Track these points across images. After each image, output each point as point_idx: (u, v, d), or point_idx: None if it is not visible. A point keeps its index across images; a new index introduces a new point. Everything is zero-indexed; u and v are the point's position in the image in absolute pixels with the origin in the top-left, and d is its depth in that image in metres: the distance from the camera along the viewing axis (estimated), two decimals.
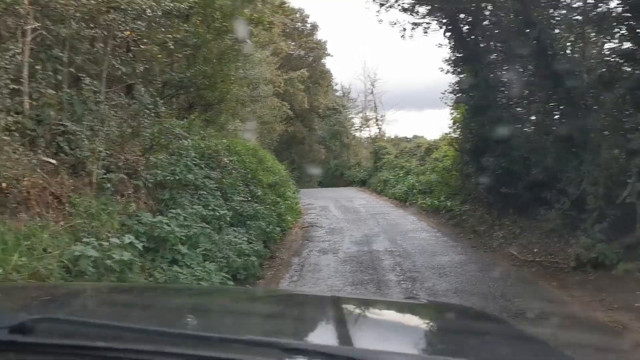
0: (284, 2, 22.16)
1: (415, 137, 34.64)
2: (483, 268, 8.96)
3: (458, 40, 12.58)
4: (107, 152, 6.40)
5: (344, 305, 1.70)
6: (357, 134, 40.07)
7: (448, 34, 12.66)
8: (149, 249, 6.24)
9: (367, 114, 38.16)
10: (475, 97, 12.09)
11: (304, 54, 37.58)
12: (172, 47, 8.30)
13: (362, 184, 30.47)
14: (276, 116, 27.45)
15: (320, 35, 38.62)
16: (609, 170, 7.79)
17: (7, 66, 5.16)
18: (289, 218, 13.30)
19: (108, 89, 7.16)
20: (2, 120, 5.11)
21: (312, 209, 18.50)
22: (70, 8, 5.95)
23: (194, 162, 8.81)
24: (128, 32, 6.93)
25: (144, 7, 6.74)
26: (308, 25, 38.18)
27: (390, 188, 22.65)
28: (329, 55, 39.79)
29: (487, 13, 11.91)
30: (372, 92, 37.61)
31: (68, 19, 6.09)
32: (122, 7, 6.58)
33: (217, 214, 8.41)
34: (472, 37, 12.44)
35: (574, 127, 8.85)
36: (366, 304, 1.96)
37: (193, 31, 10.42)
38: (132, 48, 7.53)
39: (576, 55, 9.74)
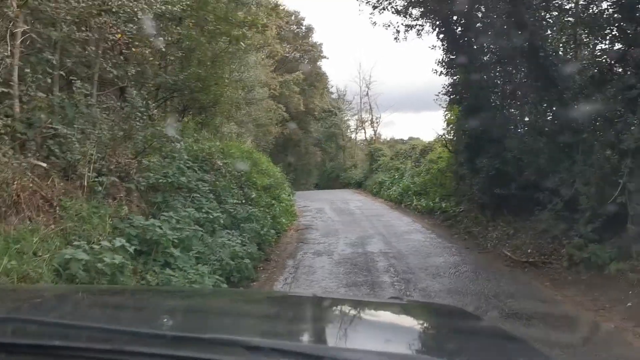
0: (278, 5, 22.15)
1: (411, 139, 34.73)
2: (477, 269, 8.97)
3: (451, 42, 12.62)
4: (99, 155, 6.37)
5: (322, 304, 1.70)
6: (353, 136, 40.19)
7: (441, 36, 12.69)
8: (141, 252, 6.22)
9: (363, 116, 38.27)
10: (469, 99, 12.14)
11: (299, 56, 37.66)
12: (163, 49, 8.27)
13: (358, 186, 30.52)
14: (272, 119, 27.46)
15: (315, 37, 38.78)
16: (601, 171, 7.82)
17: None
18: (283, 220, 13.30)
19: (100, 92, 7.15)
20: None
21: (308, 211, 18.50)
22: (60, 11, 5.94)
23: (187, 164, 8.79)
24: (119, 35, 6.92)
25: (135, 9, 6.73)
26: (303, 28, 38.27)
27: (385, 190, 22.69)
28: (324, 57, 39.89)
29: (479, 15, 11.95)
30: (367, 94, 37.73)
31: (59, 22, 6.08)
32: (113, 10, 6.57)
33: (211, 216, 8.40)
34: (465, 39, 12.47)
35: (566, 128, 8.89)
36: (345, 303, 1.96)
37: (186, 34, 10.42)
38: (123, 51, 7.51)
39: (568, 56, 9.79)
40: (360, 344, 1.31)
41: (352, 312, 1.75)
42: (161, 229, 6.49)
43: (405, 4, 12.70)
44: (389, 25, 13.41)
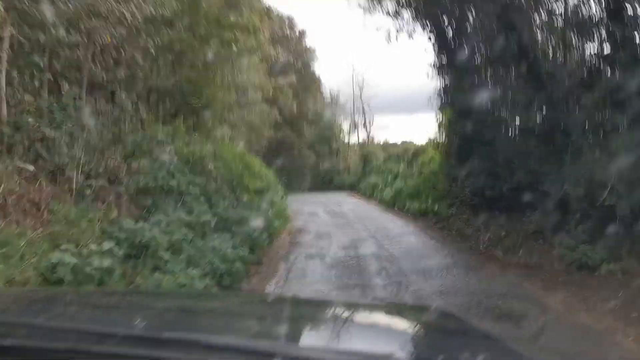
0: (270, 9, 22.21)
1: (404, 142, 34.83)
2: (469, 271, 8.97)
3: (442, 45, 12.68)
4: (88, 158, 6.34)
5: (301, 306, 1.69)
6: (347, 139, 40.23)
7: (432, 38, 12.77)
8: (130, 256, 6.17)
9: (356, 118, 38.34)
10: (460, 101, 12.17)
11: (292, 59, 37.65)
12: (154, 53, 8.25)
13: (352, 188, 30.52)
14: (265, 121, 27.44)
15: (308, 41, 38.83)
16: (590, 172, 7.86)
17: None
18: (276, 223, 13.25)
19: (89, 95, 7.12)
20: None
21: (301, 214, 18.46)
22: (49, 15, 5.91)
23: (177, 168, 8.76)
24: (108, 39, 6.90)
25: (125, 13, 6.71)
26: (296, 32, 38.30)
27: (379, 192, 22.72)
28: (317, 60, 39.98)
29: (470, 18, 12.01)
30: (360, 97, 37.81)
31: (47, 26, 6.05)
32: (102, 13, 6.55)
33: (202, 219, 8.36)
34: (456, 41, 12.54)
35: (556, 130, 8.93)
36: (325, 305, 1.96)
37: (177, 37, 10.39)
38: (112, 54, 7.49)
39: (557, 58, 9.84)
40: (337, 345, 1.30)
41: (331, 313, 1.75)
42: (151, 232, 6.46)
43: (396, 6, 12.76)
44: (380, 28, 13.51)
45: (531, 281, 7.99)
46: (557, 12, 9.77)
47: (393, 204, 19.27)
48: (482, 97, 11.89)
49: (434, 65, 13.16)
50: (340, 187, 33.16)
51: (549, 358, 1.48)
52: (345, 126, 40.27)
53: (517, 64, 10.16)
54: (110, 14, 6.74)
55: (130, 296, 2.32)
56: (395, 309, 2.02)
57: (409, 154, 23.44)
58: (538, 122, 10.42)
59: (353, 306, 2.05)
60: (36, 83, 5.94)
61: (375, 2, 12.99)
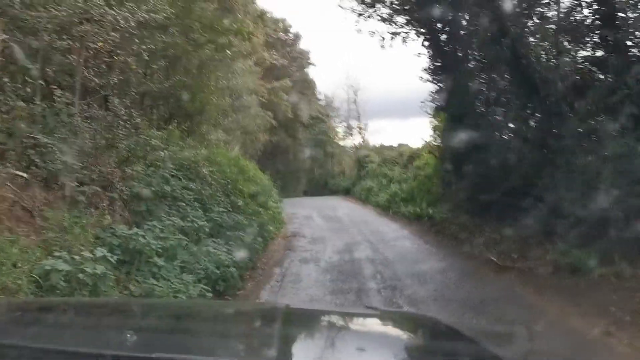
0: (264, 13, 22.23)
1: (400, 145, 34.86)
2: (463, 275, 9.00)
3: (436, 50, 12.72)
4: (81, 164, 6.31)
5: (293, 315, 1.69)
6: (341, 143, 40.28)
7: (426, 43, 12.79)
8: (124, 262, 6.15)
9: (351, 122, 38.40)
10: (454, 105, 12.21)
11: (287, 63, 37.69)
12: (147, 58, 8.23)
13: (346, 192, 30.52)
14: (260, 126, 27.43)
15: (303, 45, 38.88)
16: (583, 176, 7.89)
17: None
18: (271, 228, 13.25)
19: (82, 100, 7.09)
20: None
21: (296, 218, 18.46)
22: (41, 20, 5.90)
23: (171, 173, 8.74)
24: (101, 44, 6.88)
25: (117, 18, 6.69)
26: (291, 35, 38.40)
27: (373, 196, 22.72)
28: (312, 64, 40.03)
29: (464, 23, 12.07)
30: (355, 101, 37.87)
31: (40, 31, 6.03)
32: (95, 18, 6.53)
33: (196, 225, 8.34)
34: (450, 46, 12.58)
35: (549, 134, 8.97)
36: (317, 314, 1.96)
37: (171, 42, 10.38)
38: (105, 59, 7.47)
39: (550, 63, 9.89)
40: (329, 355, 1.30)
41: (324, 324, 1.74)
42: (145, 238, 6.43)
43: (390, 11, 12.80)
44: (374, 33, 13.52)
45: (525, 285, 8.00)
46: (550, 17, 9.84)
47: (388, 208, 19.28)
48: (476, 101, 11.95)
49: (428, 69, 13.20)
50: (335, 191, 33.19)
51: None
52: (340, 130, 40.33)
53: (510, 69, 10.20)
54: (103, 18, 6.72)
55: (122, 306, 2.30)
56: (387, 317, 2.02)
57: (404, 157, 23.45)
58: (531, 126, 10.47)
59: (345, 315, 2.05)
60: (28, 89, 5.90)
61: (369, 8, 13.02)
